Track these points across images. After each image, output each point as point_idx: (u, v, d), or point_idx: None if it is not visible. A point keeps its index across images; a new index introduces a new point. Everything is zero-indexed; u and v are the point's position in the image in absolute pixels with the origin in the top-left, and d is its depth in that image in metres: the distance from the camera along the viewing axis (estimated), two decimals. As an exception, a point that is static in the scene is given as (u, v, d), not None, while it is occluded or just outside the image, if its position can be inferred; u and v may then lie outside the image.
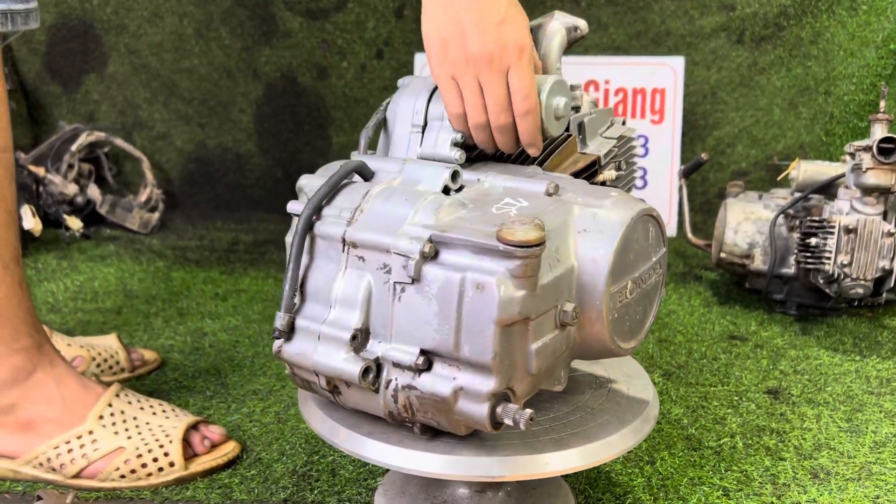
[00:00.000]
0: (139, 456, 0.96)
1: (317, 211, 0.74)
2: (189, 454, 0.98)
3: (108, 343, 1.24)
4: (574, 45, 0.86)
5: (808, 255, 1.44)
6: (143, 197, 2.16)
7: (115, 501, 0.94)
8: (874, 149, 1.36)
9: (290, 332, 0.75)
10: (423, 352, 0.69)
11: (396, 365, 0.70)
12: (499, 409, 0.68)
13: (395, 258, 0.69)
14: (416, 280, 0.68)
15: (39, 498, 0.88)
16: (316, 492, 0.95)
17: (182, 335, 1.43)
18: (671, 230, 2.12)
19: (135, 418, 0.99)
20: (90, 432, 0.96)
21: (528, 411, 0.67)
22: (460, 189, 0.77)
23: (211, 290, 1.68)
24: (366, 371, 0.71)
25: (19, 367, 0.95)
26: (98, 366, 1.21)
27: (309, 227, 0.74)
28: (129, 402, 1.01)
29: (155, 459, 0.96)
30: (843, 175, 1.48)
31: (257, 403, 1.17)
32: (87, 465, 0.95)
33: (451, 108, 0.78)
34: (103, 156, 2.22)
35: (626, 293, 0.74)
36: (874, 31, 1.99)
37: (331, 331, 0.72)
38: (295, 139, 2.34)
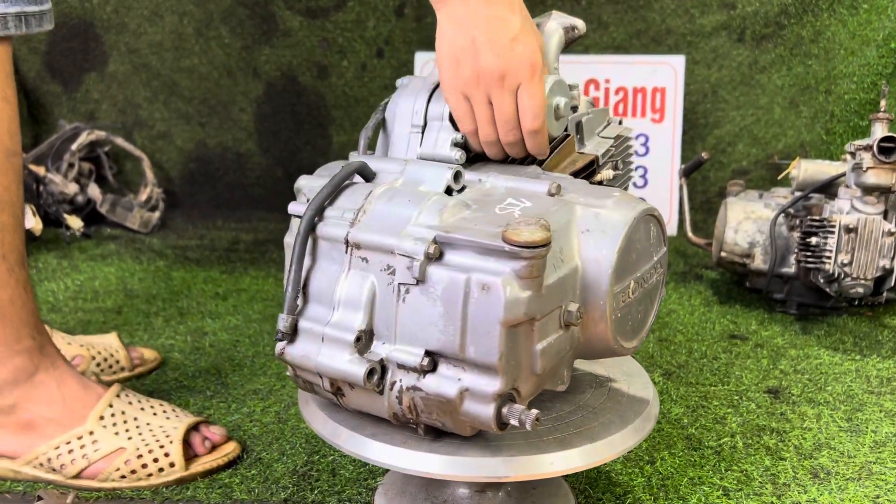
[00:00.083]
0: (139, 456, 0.96)
1: (319, 212, 0.74)
2: (189, 455, 0.98)
3: (108, 342, 1.24)
4: (572, 45, 0.86)
5: (809, 254, 1.44)
6: (143, 196, 2.16)
7: (116, 502, 0.94)
8: (875, 148, 1.36)
9: (293, 333, 0.75)
10: (427, 353, 0.69)
11: (401, 366, 0.70)
12: (504, 410, 0.68)
13: (399, 259, 0.69)
14: (420, 281, 0.68)
15: (40, 498, 0.88)
16: (316, 492, 0.95)
17: (182, 335, 1.43)
18: (672, 229, 2.12)
19: (135, 419, 0.99)
20: (91, 433, 0.96)
21: (534, 412, 0.67)
22: (462, 190, 0.77)
23: (211, 289, 1.68)
24: (371, 373, 0.70)
25: (21, 368, 0.95)
26: (98, 364, 1.21)
27: (311, 229, 0.74)
28: (130, 403, 1.01)
29: (155, 460, 0.96)
30: (843, 174, 1.48)
31: (258, 403, 1.17)
32: (88, 465, 0.95)
33: (464, 127, 0.79)
34: (104, 155, 2.22)
35: (629, 293, 0.74)
36: (875, 30, 1.99)
37: (334, 332, 0.72)
38: (295, 138, 2.34)
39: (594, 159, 0.84)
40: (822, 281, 1.44)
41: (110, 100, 2.34)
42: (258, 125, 2.34)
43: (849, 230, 1.39)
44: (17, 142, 0.95)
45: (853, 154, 1.43)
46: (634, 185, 2.14)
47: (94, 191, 2.11)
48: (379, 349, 0.72)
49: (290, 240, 0.79)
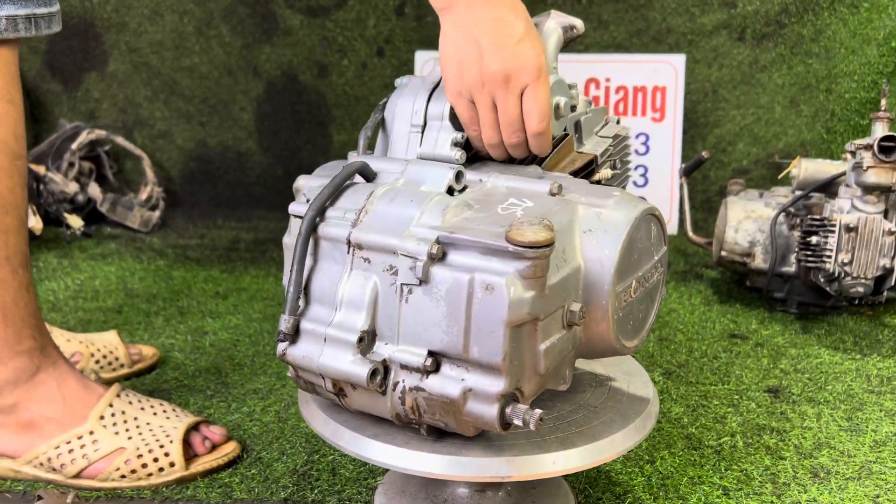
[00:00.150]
0: (140, 456, 0.96)
1: (320, 213, 0.74)
2: (190, 454, 0.98)
3: (108, 339, 1.25)
4: (571, 44, 0.86)
5: (809, 253, 1.44)
6: (143, 195, 2.16)
7: (116, 501, 0.94)
8: (875, 147, 1.36)
9: (294, 334, 0.74)
10: (431, 353, 0.69)
11: (404, 367, 0.70)
12: (508, 410, 0.68)
13: (401, 260, 0.69)
14: (423, 281, 0.68)
15: (40, 497, 0.88)
16: (316, 491, 0.95)
17: (183, 334, 1.43)
18: (672, 228, 2.12)
19: (135, 418, 0.99)
20: (91, 432, 0.96)
21: (538, 411, 0.67)
22: (464, 190, 0.76)
23: (212, 288, 1.68)
24: (373, 373, 0.70)
25: (22, 368, 0.95)
26: (97, 362, 1.21)
27: (313, 229, 0.74)
28: (130, 403, 1.01)
29: (155, 459, 0.96)
30: (843, 173, 1.48)
31: (258, 402, 1.17)
32: (88, 465, 0.95)
33: (469, 131, 0.79)
34: (104, 154, 2.22)
35: (631, 292, 0.74)
36: (875, 29, 1.99)
37: (337, 333, 0.72)
38: (295, 137, 2.34)
39: (593, 158, 0.84)
40: (822, 280, 1.44)
41: (110, 99, 2.33)
42: (258, 124, 2.34)
43: (849, 229, 1.39)
44: (22, 145, 0.94)
45: (853, 153, 1.43)
46: (635, 184, 2.14)
47: (94, 190, 2.11)
48: (381, 350, 0.71)
49: (289, 240, 0.78)
